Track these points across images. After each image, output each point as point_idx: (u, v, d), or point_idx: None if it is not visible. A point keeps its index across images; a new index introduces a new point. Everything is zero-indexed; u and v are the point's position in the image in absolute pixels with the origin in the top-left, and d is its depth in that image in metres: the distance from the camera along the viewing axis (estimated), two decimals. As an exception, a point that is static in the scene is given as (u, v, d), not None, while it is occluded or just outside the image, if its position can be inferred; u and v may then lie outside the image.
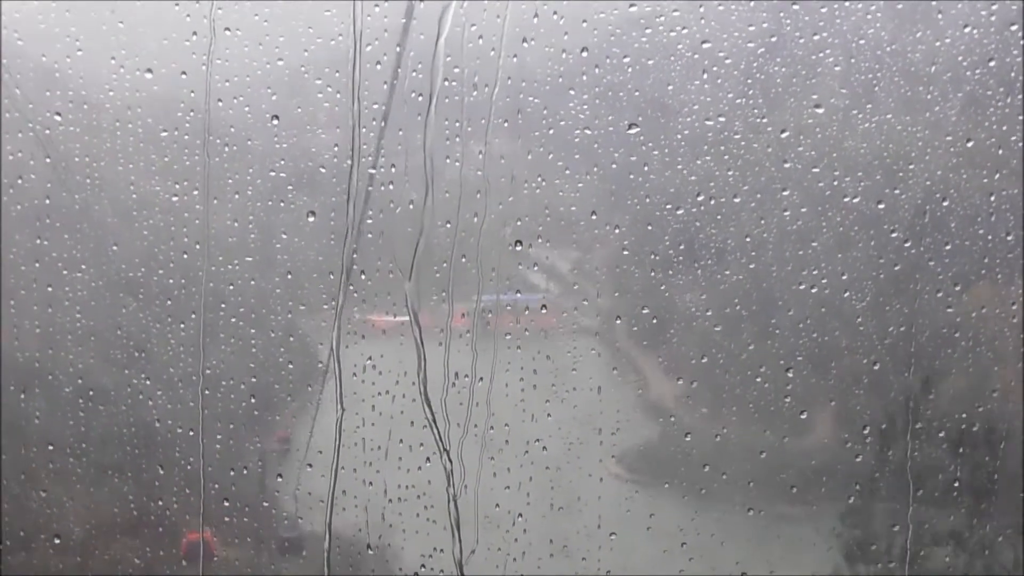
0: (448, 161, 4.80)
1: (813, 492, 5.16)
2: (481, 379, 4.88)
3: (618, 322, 5.05)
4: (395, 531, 5.05)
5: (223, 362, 4.97)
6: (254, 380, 5.01)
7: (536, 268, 4.89)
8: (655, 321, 5.02)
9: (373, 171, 4.73)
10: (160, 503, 5.06)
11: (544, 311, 4.94)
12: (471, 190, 4.80)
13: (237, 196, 4.88)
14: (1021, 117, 4.87)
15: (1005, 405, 5.09)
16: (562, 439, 5.10)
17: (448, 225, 4.83)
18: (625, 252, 4.96)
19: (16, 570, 5.09)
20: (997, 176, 4.90)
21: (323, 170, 4.85)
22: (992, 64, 4.85)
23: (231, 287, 4.92)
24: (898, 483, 5.05)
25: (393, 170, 4.80)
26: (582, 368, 5.06)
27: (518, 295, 4.91)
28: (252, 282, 4.95)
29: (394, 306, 4.88)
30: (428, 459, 4.94)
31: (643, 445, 5.17)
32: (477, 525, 4.99)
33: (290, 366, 5.01)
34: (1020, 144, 4.90)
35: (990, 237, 4.93)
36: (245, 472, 5.06)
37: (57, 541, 5.10)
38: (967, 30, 4.83)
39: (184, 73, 4.76)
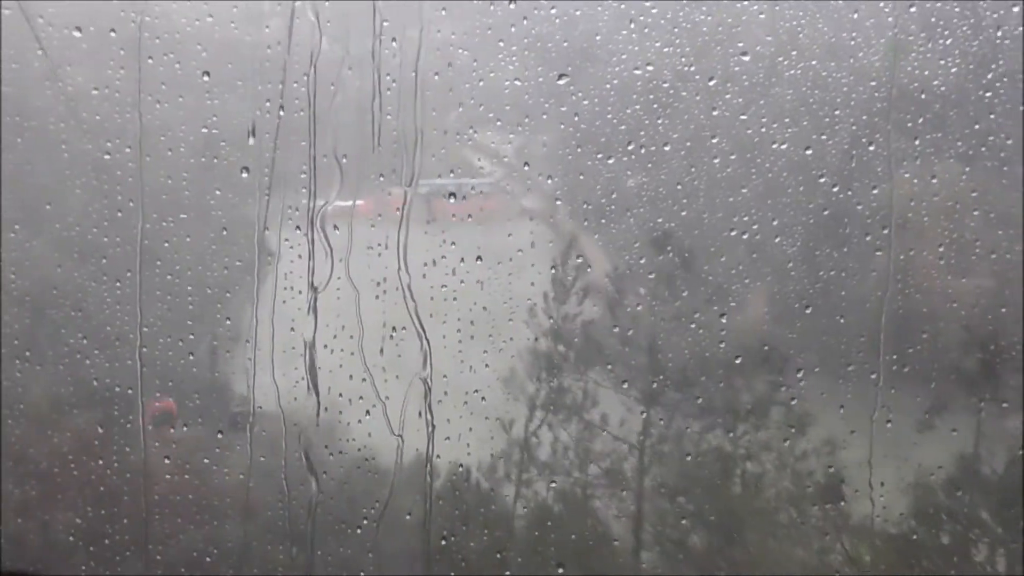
0: (380, 114, 5.15)
1: (748, 437, 5.56)
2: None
3: (553, 271, 5.43)
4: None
5: (160, 320, 5.31)
6: (192, 337, 5.35)
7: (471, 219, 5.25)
8: (589, 270, 5.40)
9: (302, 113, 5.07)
10: (100, 462, 5.40)
11: (479, 262, 5.30)
12: (407, 144, 5.14)
13: (170, 153, 5.22)
14: (942, 61, 5.28)
15: (935, 346, 5.51)
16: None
17: (382, 179, 5.18)
18: (558, 202, 5.33)
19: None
20: (921, 120, 5.30)
21: (254, 125, 5.18)
22: (913, 10, 5.25)
23: (166, 244, 5.27)
24: (831, 421, 5.47)
25: (326, 119, 5.15)
26: (517, 319, 5.44)
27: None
28: (187, 239, 5.28)
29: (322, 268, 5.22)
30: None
31: (577, 396, 5.56)
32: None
33: (227, 323, 5.35)
34: (943, 89, 5.31)
35: (916, 180, 5.34)
36: (185, 429, 5.40)
37: (-6, 503, 5.42)
38: (889, -24, 5.23)
39: (113, 31, 5.08)
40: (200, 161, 5.27)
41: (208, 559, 5.48)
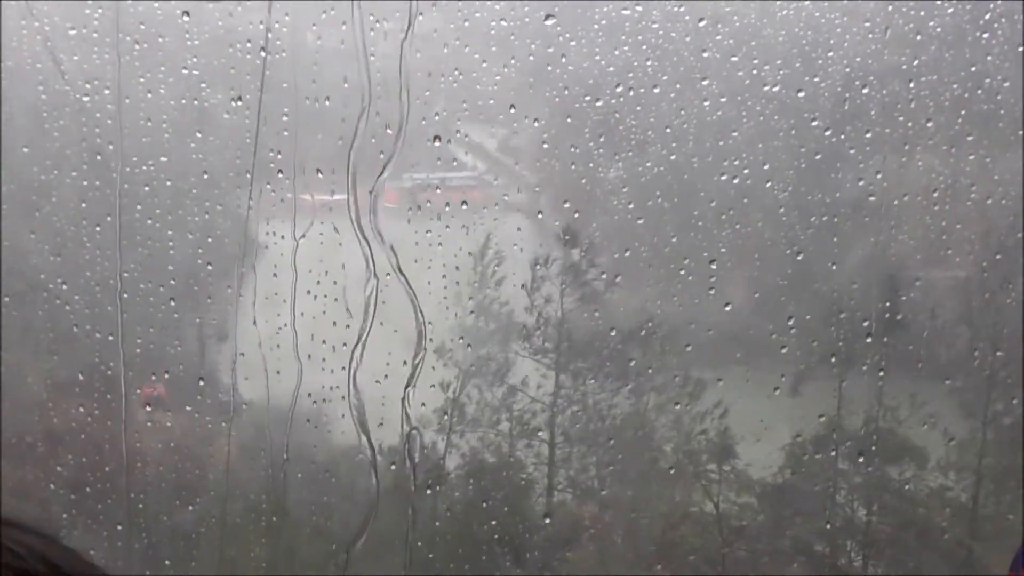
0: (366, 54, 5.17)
1: (738, 386, 5.64)
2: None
3: (540, 217, 5.48)
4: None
5: (141, 265, 5.37)
6: (173, 283, 5.41)
7: (455, 163, 5.29)
8: (577, 216, 5.46)
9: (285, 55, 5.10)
10: (81, 410, 5.47)
11: (465, 207, 5.35)
12: (391, 85, 5.17)
13: (150, 95, 5.26)
14: (938, 1, 5.30)
15: (926, 292, 5.58)
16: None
17: (378, 116, 5.18)
18: (545, 145, 5.37)
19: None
20: (916, 63, 5.34)
21: (233, 70, 5.21)
22: (909, -52, 5.28)
23: (146, 188, 5.32)
24: (823, 370, 5.54)
25: (308, 61, 5.18)
26: (506, 263, 5.50)
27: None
28: (168, 183, 5.33)
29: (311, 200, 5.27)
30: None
31: (569, 340, 5.64)
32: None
33: (209, 267, 5.41)
34: (939, 30, 5.34)
35: (910, 124, 5.38)
36: (167, 376, 5.47)
37: (-23, 451, 5.50)
38: (884, -87, 5.25)
39: (90, -31, 5.11)
40: (180, 103, 5.31)
41: (190, 506, 5.58)
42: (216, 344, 5.58)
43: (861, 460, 5.83)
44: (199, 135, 5.34)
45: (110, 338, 5.43)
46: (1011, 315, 5.55)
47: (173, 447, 5.62)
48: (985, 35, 5.35)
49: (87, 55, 5.27)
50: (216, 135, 5.36)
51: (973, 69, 5.37)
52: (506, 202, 5.46)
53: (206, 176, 5.36)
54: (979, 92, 5.40)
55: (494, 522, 5.68)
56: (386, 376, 5.31)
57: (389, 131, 5.19)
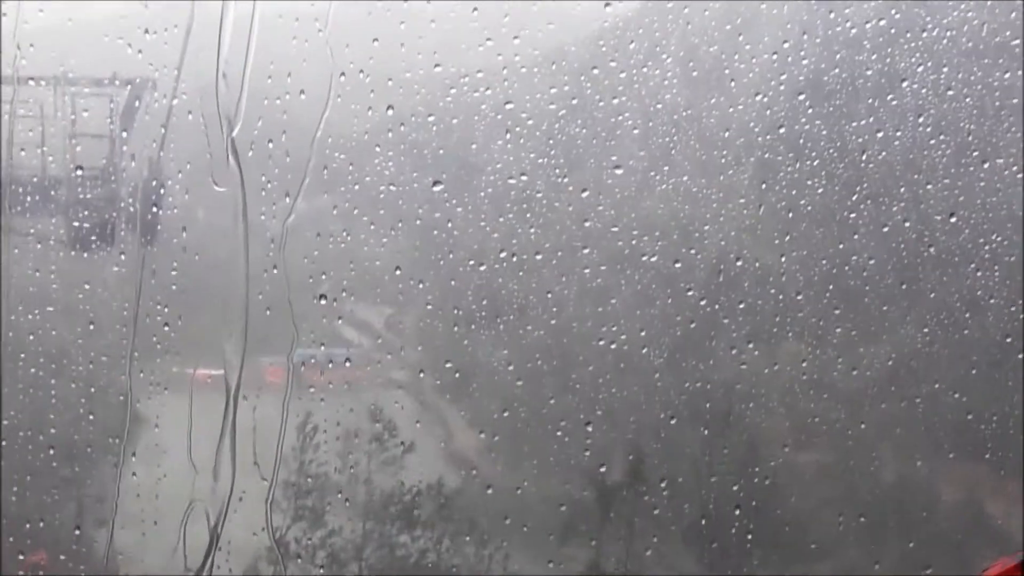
0: (256, 215, 5.40)
1: (613, 545, 5.88)
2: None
3: (422, 376, 5.72)
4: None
5: (22, 413, 5.48)
6: (54, 432, 5.53)
7: (341, 320, 5.52)
8: (458, 375, 5.70)
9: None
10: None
11: (348, 364, 5.57)
12: (278, 243, 5.39)
13: (39, 246, 5.42)
14: (808, 182, 5.69)
15: (796, 457, 5.89)
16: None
17: (268, 273, 5.38)
18: (429, 307, 5.63)
19: None
20: (788, 238, 5.70)
21: (123, 222, 5.40)
22: (782, 131, 5.67)
23: (31, 337, 5.45)
24: (693, 534, 5.81)
25: (199, 215, 5.40)
26: (387, 421, 5.71)
27: (323, 348, 5.51)
28: (53, 332, 5.48)
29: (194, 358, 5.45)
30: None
31: (447, 497, 5.85)
32: None
33: (91, 417, 5.54)
34: (809, 208, 5.72)
35: (781, 297, 5.73)
36: (41, 525, 5.56)
37: None
38: (758, 97, 5.63)
39: None
40: (69, 254, 5.47)
41: None
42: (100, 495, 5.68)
43: None
44: (87, 286, 5.50)
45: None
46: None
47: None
48: (852, 215, 5.75)
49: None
50: (103, 286, 5.52)
51: (841, 246, 5.76)
52: (390, 360, 5.70)
53: (92, 327, 5.51)
54: (847, 269, 5.78)
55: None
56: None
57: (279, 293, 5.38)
